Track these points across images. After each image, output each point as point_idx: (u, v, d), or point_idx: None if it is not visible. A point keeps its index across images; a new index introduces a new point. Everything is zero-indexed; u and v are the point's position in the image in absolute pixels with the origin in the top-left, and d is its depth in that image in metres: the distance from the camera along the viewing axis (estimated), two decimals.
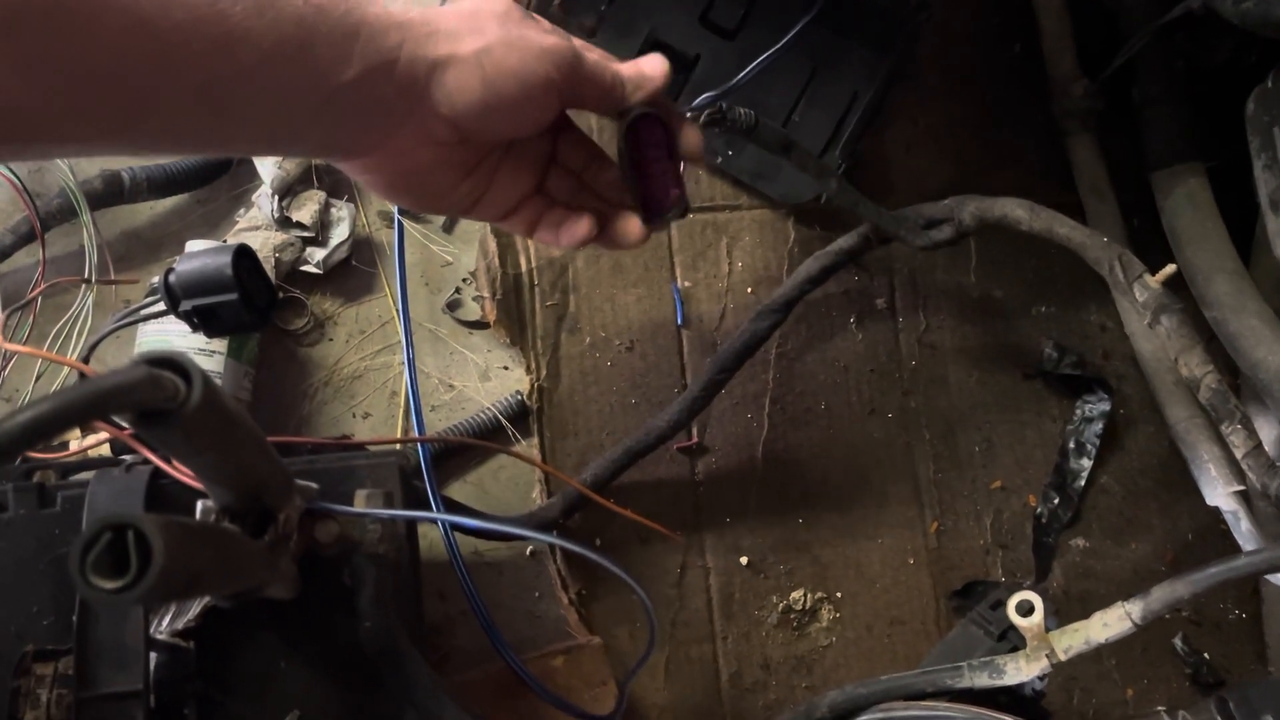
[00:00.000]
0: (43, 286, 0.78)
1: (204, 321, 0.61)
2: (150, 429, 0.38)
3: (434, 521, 0.76)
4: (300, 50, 0.45)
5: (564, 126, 0.60)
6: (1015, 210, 0.79)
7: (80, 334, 0.80)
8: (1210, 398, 0.68)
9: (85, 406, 0.35)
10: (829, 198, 0.79)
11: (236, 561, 0.48)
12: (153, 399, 0.37)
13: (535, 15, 0.54)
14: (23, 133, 0.41)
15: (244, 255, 0.61)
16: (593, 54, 0.56)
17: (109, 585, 0.36)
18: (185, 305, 0.60)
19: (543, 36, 0.52)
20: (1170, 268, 0.70)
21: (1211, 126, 0.94)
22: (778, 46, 0.77)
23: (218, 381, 0.76)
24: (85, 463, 0.65)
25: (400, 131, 0.52)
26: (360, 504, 0.60)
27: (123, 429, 0.62)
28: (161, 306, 0.62)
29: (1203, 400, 0.68)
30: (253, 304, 0.61)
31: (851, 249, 0.87)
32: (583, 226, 0.58)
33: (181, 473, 0.58)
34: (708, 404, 0.86)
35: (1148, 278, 0.70)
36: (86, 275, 0.80)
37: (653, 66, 0.57)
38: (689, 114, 0.61)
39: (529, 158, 0.59)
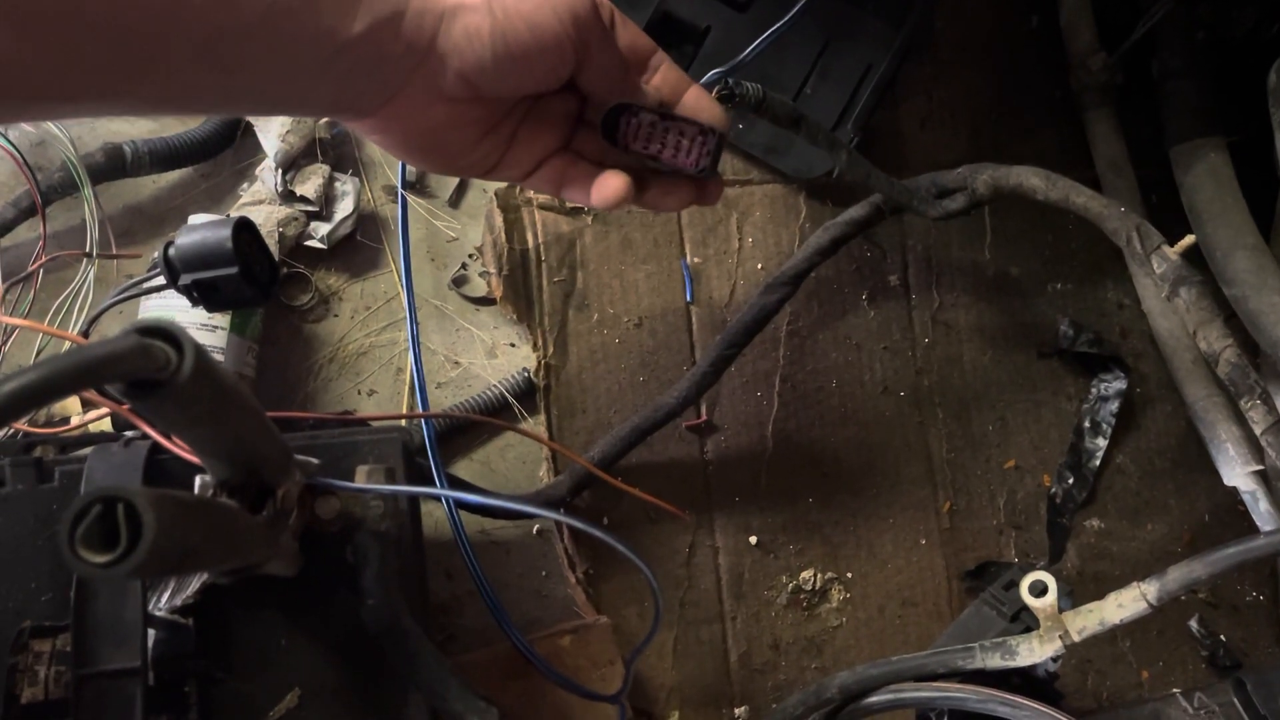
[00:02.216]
0: (44, 260, 0.78)
1: (204, 296, 0.60)
2: (142, 399, 0.38)
3: (437, 498, 0.75)
4: (305, 4, 0.44)
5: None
6: (1031, 179, 0.76)
7: (81, 309, 0.79)
8: (1229, 372, 0.66)
9: (74, 375, 0.34)
10: (840, 171, 0.77)
11: (233, 536, 0.47)
12: (143, 368, 0.36)
13: None
14: (20, 89, 0.40)
15: (245, 228, 0.59)
16: (623, 30, 0.54)
17: (98, 559, 0.35)
18: (185, 279, 0.59)
19: None
20: (1189, 238, 0.68)
21: (1233, 100, 0.93)
22: (787, 18, 0.76)
23: (220, 357, 0.75)
24: (85, 438, 0.65)
25: (409, 87, 0.50)
26: (362, 479, 0.59)
27: (122, 403, 0.62)
28: (163, 280, 0.61)
29: (1221, 375, 0.67)
30: (254, 278, 0.59)
31: (863, 219, 0.85)
32: (616, 183, 0.55)
33: (180, 448, 0.57)
34: (716, 380, 0.85)
35: (1166, 249, 0.69)
36: (88, 249, 0.79)
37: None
38: None
39: (552, 116, 0.56)
